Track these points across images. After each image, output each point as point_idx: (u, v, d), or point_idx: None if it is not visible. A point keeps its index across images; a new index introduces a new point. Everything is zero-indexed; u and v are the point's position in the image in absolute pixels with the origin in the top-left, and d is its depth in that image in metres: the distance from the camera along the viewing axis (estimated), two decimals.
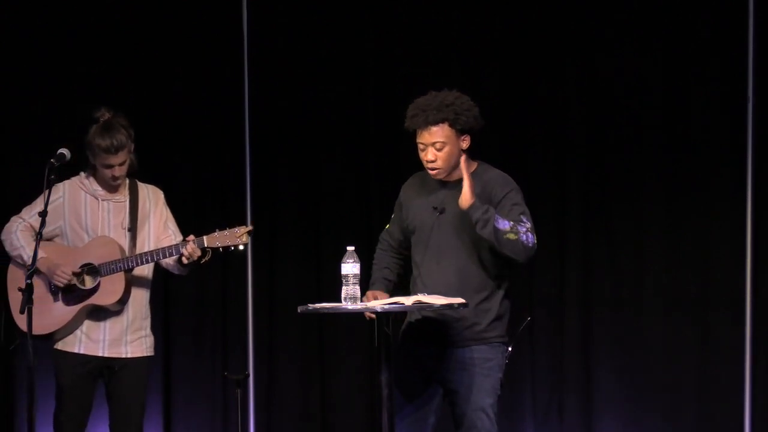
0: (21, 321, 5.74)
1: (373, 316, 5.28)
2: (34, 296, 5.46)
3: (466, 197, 5.27)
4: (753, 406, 7.20)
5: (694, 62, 7.25)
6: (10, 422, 7.73)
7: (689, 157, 7.26)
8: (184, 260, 5.74)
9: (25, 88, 7.70)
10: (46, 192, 5.57)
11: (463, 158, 5.38)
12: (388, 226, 5.73)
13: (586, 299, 7.39)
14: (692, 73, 7.25)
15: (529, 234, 5.33)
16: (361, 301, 5.23)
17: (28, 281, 5.41)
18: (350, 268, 5.14)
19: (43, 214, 5.54)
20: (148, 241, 5.90)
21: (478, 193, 5.37)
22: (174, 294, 7.75)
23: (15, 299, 5.80)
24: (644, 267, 7.33)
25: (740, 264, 7.20)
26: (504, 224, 5.27)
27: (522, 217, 5.36)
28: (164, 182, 7.54)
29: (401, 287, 5.63)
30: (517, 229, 5.29)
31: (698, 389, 7.26)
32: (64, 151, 5.64)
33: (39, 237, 5.55)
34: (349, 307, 5.12)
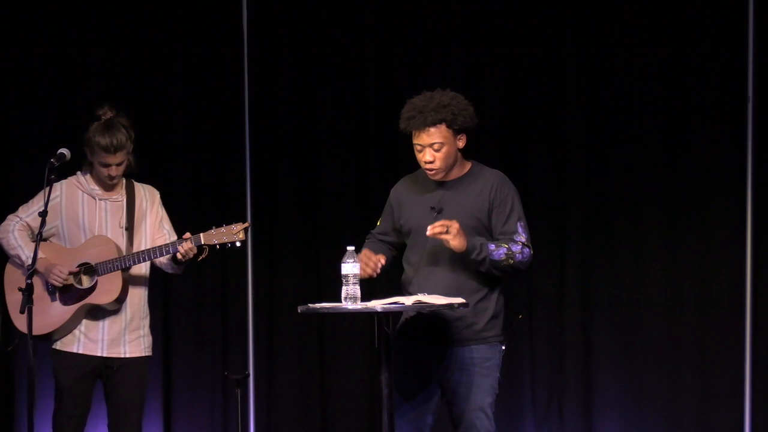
0: (19, 321, 5.74)
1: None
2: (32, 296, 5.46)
3: (458, 243, 5.24)
4: (753, 407, 7.19)
5: (694, 62, 7.25)
6: (10, 422, 7.72)
7: (689, 157, 7.27)
8: (180, 257, 5.73)
9: (26, 88, 7.70)
10: (47, 191, 5.56)
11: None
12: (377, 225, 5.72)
13: (586, 299, 7.39)
14: (692, 73, 7.25)
15: (525, 249, 5.37)
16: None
17: (29, 281, 5.41)
18: (350, 268, 5.14)
19: (43, 214, 5.53)
20: (144, 241, 5.89)
21: (476, 193, 5.39)
22: (174, 294, 7.75)
23: (13, 300, 5.79)
24: (644, 267, 7.33)
25: (740, 264, 7.20)
26: (500, 254, 5.31)
27: (519, 225, 5.39)
28: (164, 182, 7.57)
29: (395, 287, 5.62)
30: (512, 251, 5.32)
31: (698, 389, 7.26)
32: (64, 151, 5.64)
33: (39, 237, 5.54)
34: (349, 307, 5.12)
